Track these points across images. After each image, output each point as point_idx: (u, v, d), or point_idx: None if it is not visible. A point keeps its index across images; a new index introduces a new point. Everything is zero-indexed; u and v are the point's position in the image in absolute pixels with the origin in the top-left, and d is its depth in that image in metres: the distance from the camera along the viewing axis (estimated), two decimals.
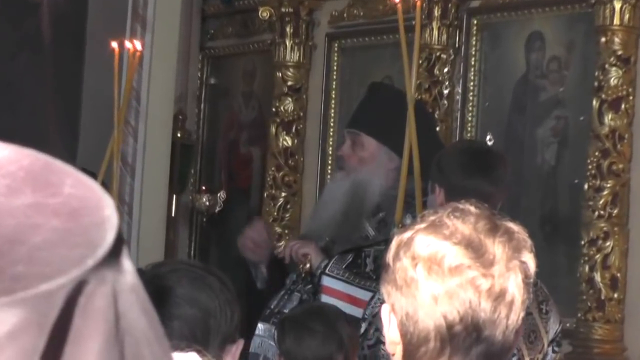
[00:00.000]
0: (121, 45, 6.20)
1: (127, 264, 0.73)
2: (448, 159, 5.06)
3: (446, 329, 2.35)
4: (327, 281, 5.31)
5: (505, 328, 2.38)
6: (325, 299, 5.33)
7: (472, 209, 2.47)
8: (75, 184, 0.73)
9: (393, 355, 2.51)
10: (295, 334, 4.59)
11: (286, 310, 5.52)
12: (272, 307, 5.68)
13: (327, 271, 5.34)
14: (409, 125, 4.96)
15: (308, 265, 5.70)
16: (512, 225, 2.43)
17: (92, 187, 0.74)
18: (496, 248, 2.36)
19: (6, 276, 0.66)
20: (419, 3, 5.94)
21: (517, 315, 2.38)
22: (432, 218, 2.45)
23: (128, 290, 0.72)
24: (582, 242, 6.22)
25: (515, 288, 2.36)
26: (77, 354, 0.68)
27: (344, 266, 5.32)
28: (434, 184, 4.72)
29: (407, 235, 2.42)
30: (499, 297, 2.35)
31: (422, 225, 2.43)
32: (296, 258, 5.82)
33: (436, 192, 4.63)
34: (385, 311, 2.47)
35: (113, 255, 0.70)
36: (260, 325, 5.53)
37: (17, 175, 0.72)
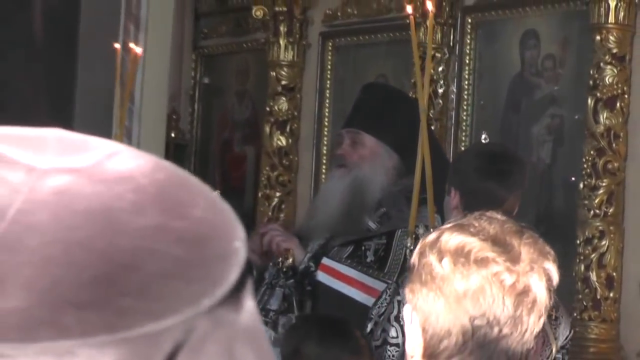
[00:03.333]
0: (125, 49, 6.16)
1: (249, 304, 0.70)
2: (464, 162, 5.13)
3: (469, 322, 2.37)
4: (326, 261, 5.31)
5: (526, 328, 2.40)
6: (322, 277, 5.32)
7: (498, 215, 2.51)
8: (208, 207, 0.70)
9: (412, 357, 2.51)
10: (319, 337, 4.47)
11: (271, 307, 5.51)
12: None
13: (326, 256, 5.35)
14: (421, 135, 4.96)
15: (290, 260, 5.65)
16: (536, 235, 2.47)
17: (225, 213, 0.72)
18: (522, 248, 2.39)
19: (112, 309, 0.63)
20: (430, 15, 5.84)
21: (538, 317, 2.41)
22: (457, 221, 2.54)
23: (246, 336, 0.70)
24: (578, 241, 6.20)
25: (538, 289, 2.38)
26: None
27: (344, 256, 5.32)
28: (450, 187, 4.71)
29: (432, 236, 2.47)
30: (521, 294, 2.37)
31: (448, 226, 2.50)
32: (276, 250, 5.81)
33: (452, 194, 4.62)
34: (407, 311, 2.49)
35: (234, 294, 0.67)
36: None
37: (147, 190, 0.69)
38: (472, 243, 2.40)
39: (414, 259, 2.50)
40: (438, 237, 2.45)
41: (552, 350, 4.30)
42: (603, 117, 6.18)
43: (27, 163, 0.68)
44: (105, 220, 0.66)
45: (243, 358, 0.68)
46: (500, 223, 2.45)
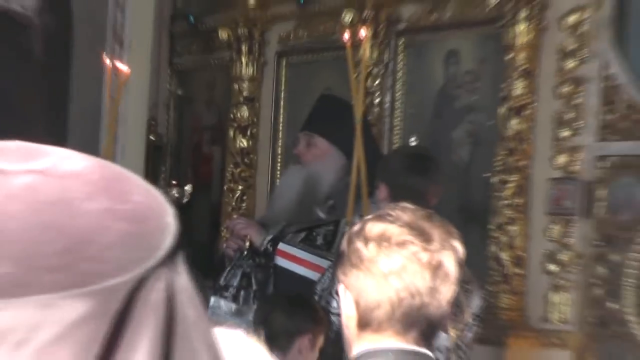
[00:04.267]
0: (113, 66, 6.23)
1: (181, 266, 0.74)
2: (393, 161, 5.24)
3: (395, 294, 2.46)
4: (282, 246, 5.38)
5: (442, 296, 2.49)
6: (280, 261, 5.39)
7: (409, 205, 2.61)
8: (143, 193, 0.76)
9: (347, 327, 2.62)
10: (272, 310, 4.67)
11: (232, 283, 5.61)
12: (220, 281, 5.69)
13: (282, 242, 5.43)
14: (356, 141, 5.11)
15: (247, 244, 5.69)
16: (439, 221, 2.56)
17: (156, 196, 0.77)
18: (432, 230, 2.49)
19: (78, 271, 0.67)
20: (365, 40, 5.95)
21: (450, 286, 2.50)
22: (377, 213, 2.61)
23: (181, 288, 0.73)
24: (491, 227, 6.43)
25: (449, 263, 2.48)
26: (135, 339, 0.69)
27: (298, 241, 5.40)
28: (379, 182, 4.85)
29: (357, 227, 2.58)
30: (436, 268, 2.45)
31: (369, 217, 2.59)
32: (237, 236, 5.91)
33: (380, 188, 4.76)
34: (341, 290, 2.58)
35: (170, 258, 0.72)
36: (212, 298, 5.55)
37: (97, 183, 0.74)
38: (392, 229, 2.51)
39: (344, 245, 2.61)
40: (362, 227, 2.57)
41: (464, 316, 4.41)
42: (513, 123, 6.35)
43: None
44: (65, 207, 0.71)
45: (183, 308, 0.72)
46: (412, 211, 2.57)
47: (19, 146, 0.75)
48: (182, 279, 0.73)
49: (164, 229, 0.72)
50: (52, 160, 0.74)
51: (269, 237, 5.57)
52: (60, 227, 0.69)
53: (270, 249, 5.58)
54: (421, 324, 2.52)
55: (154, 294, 0.69)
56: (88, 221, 0.70)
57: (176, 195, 7.99)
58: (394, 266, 2.47)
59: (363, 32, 5.80)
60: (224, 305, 5.38)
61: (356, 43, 5.87)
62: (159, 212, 0.74)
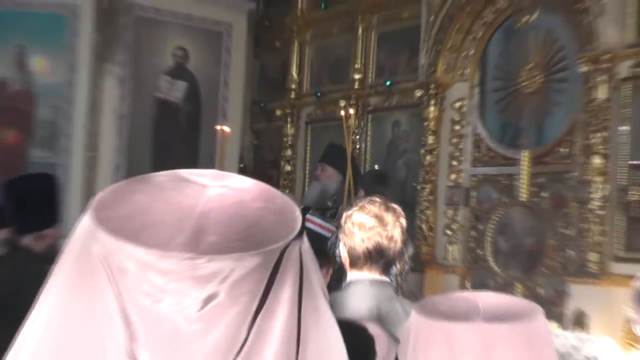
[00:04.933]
0: (221, 128, 6.04)
1: (305, 239, 0.69)
2: (366, 177, 5.59)
3: (367, 250, 2.43)
4: (309, 216, 5.12)
5: (393, 251, 2.45)
6: (308, 225, 5.02)
7: (378, 200, 2.51)
8: (281, 199, 0.70)
9: (344, 265, 2.53)
10: None
11: None
12: None
13: (309, 214, 5.19)
14: (348, 167, 4.95)
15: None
16: (395, 206, 2.51)
17: (288, 200, 0.71)
18: (389, 217, 2.44)
19: (253, 240, 0.64)
20: (352, 116, 6.50)
21: (397, 244, 2.45)
22: (360, 204, 2.51)
23: (306, 250, 0.69)
24: (417, 211, 6.67)
25: (397, 233, 2.44)
26: (283, 279, 0.66)
27: (317, 215, 5.26)
28: (359, 188, 4.87)
29: (349, 212, 2.50)
30: (390, 239, 2.42)
31: (356, 208, 2.50)
32: None
33: (360, 191, 4.76)
34: (340, 245, 2.51)
35: (299, 234, 0.68)
36: None
37: (256, 192, 0.70)
38: (365, 218, 2.44)
39: (343, 221, 2.50)
40: (351, 214, 2.48)
41: (405, 257, 4.31)
42: (427, 158, 6.70)
43: (201, 183, 0.70)
44: (240, 205, 0.68)
45: (307, 262, 0.69)
46: (378, 204, 2.47)
47: (213, 172, 0.70)
48: (306, 245, 0.69)
49: (295, 218, 0.69)
50: (231, 180, 0.70)
51: (301, 207, 5.16)
52: (240, 216, 0.66)
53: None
54: (381, 263, 2.44)
55: (293, 254, 0.67)
56: (253, 213, 0.67)
57: None
58: (366, 237, 2.40)
59: (351, 111, 6.37)
60: None
61: (347, 116, 6.04)
62: (291, 209, 0.70)
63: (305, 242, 0.68)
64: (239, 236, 0.64)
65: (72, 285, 0.63)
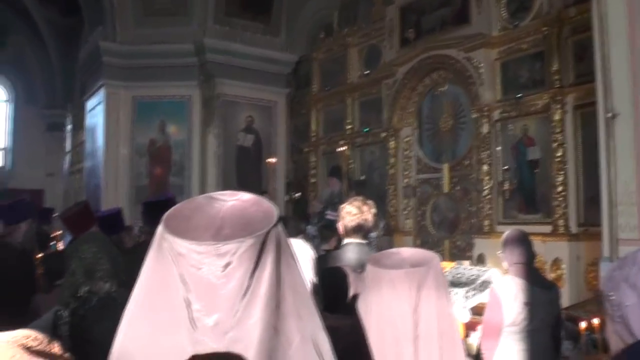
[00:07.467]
0: (271, 160, 5.66)
1: (281, 226, 0.63)
2: (353, 183, 5.70)
3: (352, 226, 2.23)
4: (328, 212, 4.89)
5: (367, 227, 2.24)
6: (327, 216, 4.83)
7: (359, 198, 2.33)
8: (267, 203, 0.66)
9: (341, 235, 2.30)
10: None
11: (315, 221, 4.98)
12: (312, 221, 5.07)
13: (327, 210, 5.00)
14: (343, 179, 4.83)
15: (320, 207, 5.37)
16: (369, 201, 2.30)
17: (271, 204, 0.66)
18: (364, 208, 2.24)
19: (251, 229, 0.59)
20: (346, 149, 6.07)
21: (370, 223, 2.24)
22: (349, 201, 2.30)
23: (281, 232, 0.63)
24: (388, 202, 6.28)
25: (370, 217, 2.24)
26: (267, 254, 0.61)
27: (331, 209, 4.84)
28: (352, 191, 4.96)
29: (343, 205, 2.29)
30: (366, 220, 2.22)
31: (347, 203, 2.28)
32: (315, 206, 5.67)
33: (350, 194, 4.51)
34: (339, 223, 2.27)
35: (277, 222, 0.63)
36: (308, 227, 4.82)
37: (253, 201, 0.65)
38: (351, 208, 2.24)
39: (340, 209, 2.28)
40: (344, 206, 2.27)
41: (378, 227, 4.29)
42: (390, 171, 6.19)
43: (222, 199, 0.65)
44: (244, 209, 0.63)
45: (282, 242, 0.63)
46: (359, 200, 2.25)
47: (230, 192, 0.66)
48: (280, 229, 0.63)
49: (274, 214, 0.64)
50: (240, 196, 0.66)
51: (322, 207, 5.52)
52: (243, 216, 0.61)
53: (322, 210, 5.36)
54: (361, 234, 2.24)
55: (274, 235, 0.62)
56: (251, 213, 0.62)
57: (296, 196, 7.72)
58: (352, 219, 2.22)
59: (345, 147, 6.54)
60: (311, 229, 5.00)
61: (343, 150, 6.41)
62: (272, 209, 0.64)
63: (280, 227, 0.64)
64: (242, 228, 0.61)
65: (154, 264, 0.64)
